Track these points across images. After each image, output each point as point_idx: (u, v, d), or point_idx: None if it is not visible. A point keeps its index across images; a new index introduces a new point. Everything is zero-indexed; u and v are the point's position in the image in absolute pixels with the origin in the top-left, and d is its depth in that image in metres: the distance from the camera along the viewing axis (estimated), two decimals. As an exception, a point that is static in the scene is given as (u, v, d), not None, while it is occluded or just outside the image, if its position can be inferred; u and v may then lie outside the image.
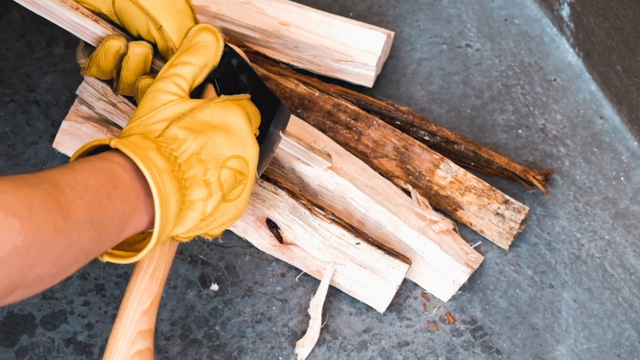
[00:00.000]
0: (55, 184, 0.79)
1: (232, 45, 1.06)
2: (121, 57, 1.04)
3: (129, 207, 0.86)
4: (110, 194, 0.84)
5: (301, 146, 1.13)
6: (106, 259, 0.90)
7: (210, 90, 1.03)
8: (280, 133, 1.10)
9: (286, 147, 1.13)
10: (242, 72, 1.05)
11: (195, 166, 0.92)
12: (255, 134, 1.01)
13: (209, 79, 1.02)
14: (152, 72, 1.05)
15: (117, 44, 1.03)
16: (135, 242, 0.93)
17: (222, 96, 0.99)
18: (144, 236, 0.93)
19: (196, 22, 1.04)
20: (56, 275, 0.79)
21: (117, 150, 0.88)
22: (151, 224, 0.89)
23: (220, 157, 0.94)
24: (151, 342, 0.97)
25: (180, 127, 0.93)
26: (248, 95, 1.02)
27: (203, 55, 1.00)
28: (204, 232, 0.98)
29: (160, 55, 1.04)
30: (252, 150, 0.98)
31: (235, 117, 0.98)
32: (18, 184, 0.76)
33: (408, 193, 1.21)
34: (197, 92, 1.02)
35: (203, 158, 0.93)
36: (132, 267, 1.15)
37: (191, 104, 0.96)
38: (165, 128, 0.93)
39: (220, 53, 1.02)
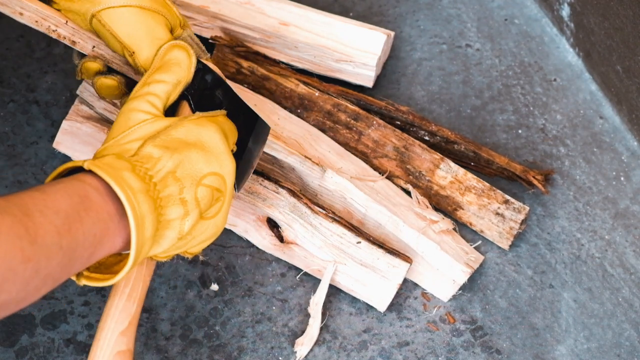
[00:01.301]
0: (25, 209, 0.78)
1: (205, 61, 1.05)
2: (103, 73, 1.05)
3: (101, 229, 0.84)
4: (82, 216, 0.82)
5: (296, 157, 1.13)
6: (83, 282, 0.89)
7: (185, 107, 1.02)
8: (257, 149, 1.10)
9: (282, 157, 1.14)
10: (217, 87, 1.04)
11: (171, 185, 0.90)
12: (232, 150, 1.00)
13: (183, 96, 1.01)
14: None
15: (94, 66, 1.05)
16: (112, 265, 0.92)
17: (197, 113, 0.98)
18: (120, 258, 0.92)
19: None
20: (23, 301, 0.78)
21: (90, 171, 0.87)
22: (126, 245, 0.88)
23: (197, 175, 0.93)
24: None
25: (155, 145, 0.92)
26: (224, 112, 1.01)
27: (176, 72, 0.99)
28: (183, 250, 0.97)
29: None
30: (228, 166, 0.97)
31: (211, 133, 0.97)
32: None
33: (408, 193, 1.21)
34: (171, 110, 1.01)
35: (179, 176, 0.91)
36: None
37: (165, 122, 0.95)
38: (140, 147, 0.92)
39: (192, 69, 1.01)
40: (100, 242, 0.84)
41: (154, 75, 0.99)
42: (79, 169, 0.89)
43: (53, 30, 1.03)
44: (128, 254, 0.88)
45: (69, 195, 0.83)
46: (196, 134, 0.96)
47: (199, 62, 1.03)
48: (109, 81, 1.05)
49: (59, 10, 1.04)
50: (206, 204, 0.94)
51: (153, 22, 1.02)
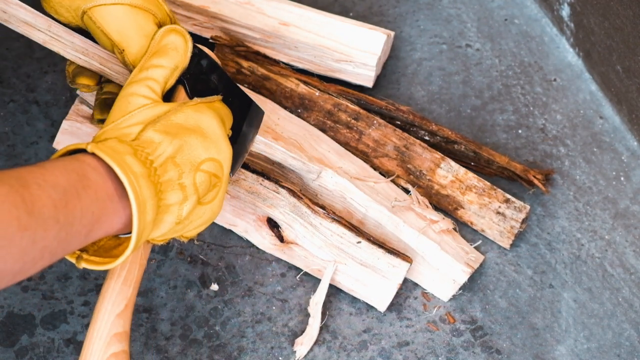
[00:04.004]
0: (22, 181, 0.78)
1: (200, 47, 1.05)
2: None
3: (99, 208, 0.85)
4: (80, 193, 0.82)
5: (294, 154, 1.13)
6: (83, 265, 0.90)
7: (181, 92, 1.02)
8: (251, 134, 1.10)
9: (279, 154, 1.14)
10: (213, 72, 1.04)
11: (171, 170, 0.91)
12: (228, 135, 1.01)
13: (179, 81, 1.01)
14: None
15: (86, 83, 1.06)
16: (112, 248, 0.92)
17: (195, 99, 0.99)
18: (119, 241, 0.93)
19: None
20: (19, 272, 0.78)
21: (91, 154, 0.87)
22: (125, 227, 0.88)
23: (195, 161, 0.94)
24: (127, 344, 0.97)
25: (156, 130, 0.93)
26: (220, 97, 1.02)
27: (173, 57, 1.00)
28: (179, 234, 0.97)
29: None
30: (226, 152, 0.98)
31: (209, 120, 0.97)
32: None
33: (408, 192, 1.21)
34: (167, 95, 1.01)
35: (178, 162, 0.92)
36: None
37: (165, 107, 0.96)
38: (141, 131, 0.92)
39: (189, 54, 1.01)
40: (98, 220, 0.84)
41: (152, 59, 0.99)
42: (81, 152, 0.89)
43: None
44: (127, 238, 0.89)
45: (67, 172, 0.83)
46: (195, 120, 0.96)
47: (194, 46, 1.02)
48: (87, 81, 1.07)
49: (51, 5, 1.04)
50: (204, 190, 0.94)
51: (143, 20, 1.02)
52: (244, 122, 1.06)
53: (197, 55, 1.03)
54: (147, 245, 0.99)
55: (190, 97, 1.01)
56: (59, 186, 0.81)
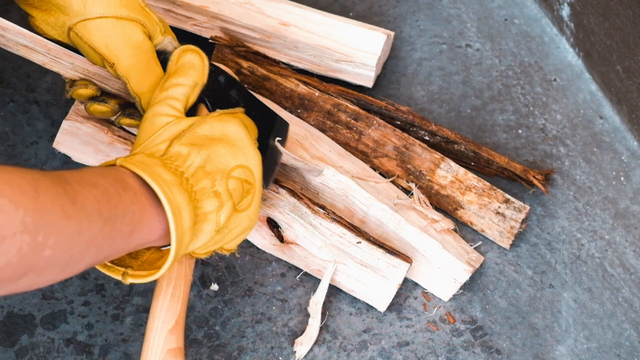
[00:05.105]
0: (63, 178, 0.79)
1: (216, 63, 1.06)
2: (96, 97, 1.06)
3: (140, 209, 0.86)
4: (120, 193, 0.84)
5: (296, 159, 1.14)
6: (129, 280, 0.91)
7: (203, 109, 1.03)
8: (280, 147, 1.10)
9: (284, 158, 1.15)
10: (232, 87, 1.06)
11: (203, 179, 0.92)
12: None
13: (199, 99, 1.02)
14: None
15: (87, 92, 1.05)
16: (155, 261, 0.93)
17: (218, 110, 1.00)
18: (162, 254, 0.93)
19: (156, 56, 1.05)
20: (67, 265, 0.78)
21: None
22: (165, 235, 0.89)
23: (225, 168, 0.95)
24: (182, 359, 0.99)
25: (182, 143, 0.94)
26: (242, 109, 1.02)
27: (192, 75, 1.01)
28: (220, 245, 0.99)
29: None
30: (254, 158, 0.99)
31: (234, 127, 0.98)
32: (23, 170, 0.76)
33: (408, 193, 1.21)
34: (189, 114, 1.02)
35: (208, 170, 0.93)
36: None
37: (189, 121, 0.97)
38: (167, 147, 0.94)
39: (207, 71, 1.02)
40: (139, 221, 0.85)
41: (171, 79, 1.00)
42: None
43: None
44: (169, 250, 0.89)
45: (105, 176, 0.84)
46: (220, 129, 0.97)
47: (210, 64, 1.03)
48: (102, 107, 1.07)
49: (36, 24, 1.04)
50: (238, 196, 0.96)
51: (131, 31, 1.02)
52: (269, 136, 1.07)
53: (213, 72, 1.04)
54: (191, 259, 1.01)
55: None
56: (100, 185, 0.82)
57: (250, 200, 0.98)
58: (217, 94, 1.04)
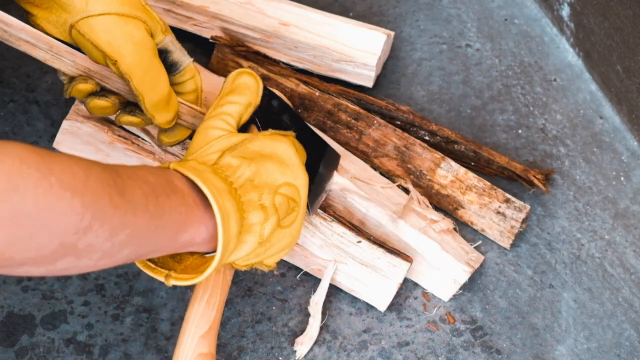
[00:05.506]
0: (114, 170, 0.80)
1: (271, 89, 1.09)
2: (95, 93, 1.05)
3: (186, 211, 0.87)
4: (169, 193, 0.85)
5: None
6: (172, 282, 0.92)
7: (254, 130, 1.06)
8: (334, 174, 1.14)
9: None
10: (284, 112, 1.08)
11: (251, 191, 0.94)
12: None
13: (251, 120, 1.05)
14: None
15: (87, 87, 1.04)
16: (198, 266, 0.94)
17: (270, 130, 1.03)
18: (205, 260, 0.94)
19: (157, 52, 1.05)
20: (107, 254, 0.79)
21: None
22: (210, 240, 0.90)
23: (273, 184, 0.97)
24: None
25: (233, 156, 0.96)
26: (293, 133, 1.05)
27: (246, 95, 1.03)
28: (261, 259, 1.00)
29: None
30: (302, 178, 1.01)
31: (284, 147, 1.01)
32: (78, 157, 0.77)
33: (408, 193, 1.21)
34: (241, 132, 1.04)
35: (257, 184, 0.95)
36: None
37: (241, 136, 0.99)
38: (219, 158, 0.96)
39: (260, 93, 1.05)
40: (185, 223, 0.87)
41: (226, 97, 1.03)
42: None
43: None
44: (212, 257, 0.91)
45: (155, 175, 0.86)
46: (271, 147, 1.00)
47: (264, 88, 1.06)
48: (103, 102, 1.06)
49: (37, 23, 1.04)
50: (283, 212, 0.98)
51: (133, 28, 1.02)
52: (320, 163, 1.10)
53: (267, 95, 1.06)
54: (230, 270, 1.03)
55: None
56: (150, 182, 0.83)
57: (294, 217, 1.00)
58: (268, 117, 1.06)
